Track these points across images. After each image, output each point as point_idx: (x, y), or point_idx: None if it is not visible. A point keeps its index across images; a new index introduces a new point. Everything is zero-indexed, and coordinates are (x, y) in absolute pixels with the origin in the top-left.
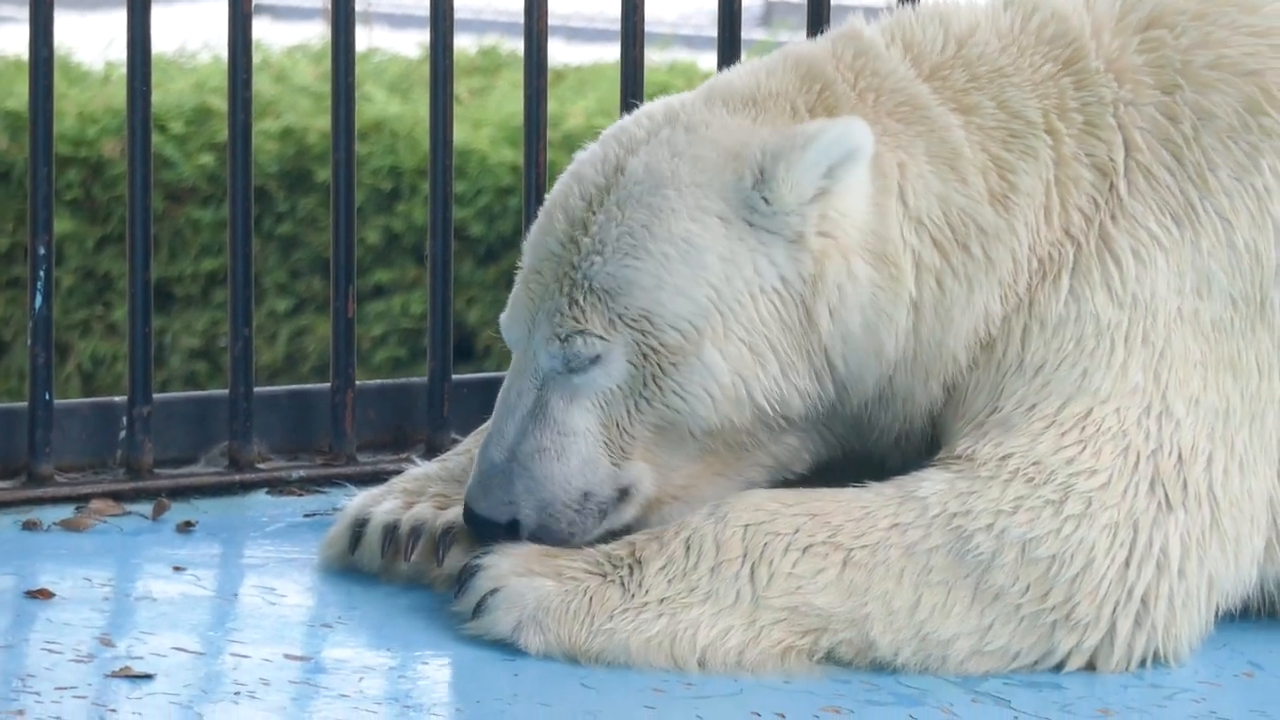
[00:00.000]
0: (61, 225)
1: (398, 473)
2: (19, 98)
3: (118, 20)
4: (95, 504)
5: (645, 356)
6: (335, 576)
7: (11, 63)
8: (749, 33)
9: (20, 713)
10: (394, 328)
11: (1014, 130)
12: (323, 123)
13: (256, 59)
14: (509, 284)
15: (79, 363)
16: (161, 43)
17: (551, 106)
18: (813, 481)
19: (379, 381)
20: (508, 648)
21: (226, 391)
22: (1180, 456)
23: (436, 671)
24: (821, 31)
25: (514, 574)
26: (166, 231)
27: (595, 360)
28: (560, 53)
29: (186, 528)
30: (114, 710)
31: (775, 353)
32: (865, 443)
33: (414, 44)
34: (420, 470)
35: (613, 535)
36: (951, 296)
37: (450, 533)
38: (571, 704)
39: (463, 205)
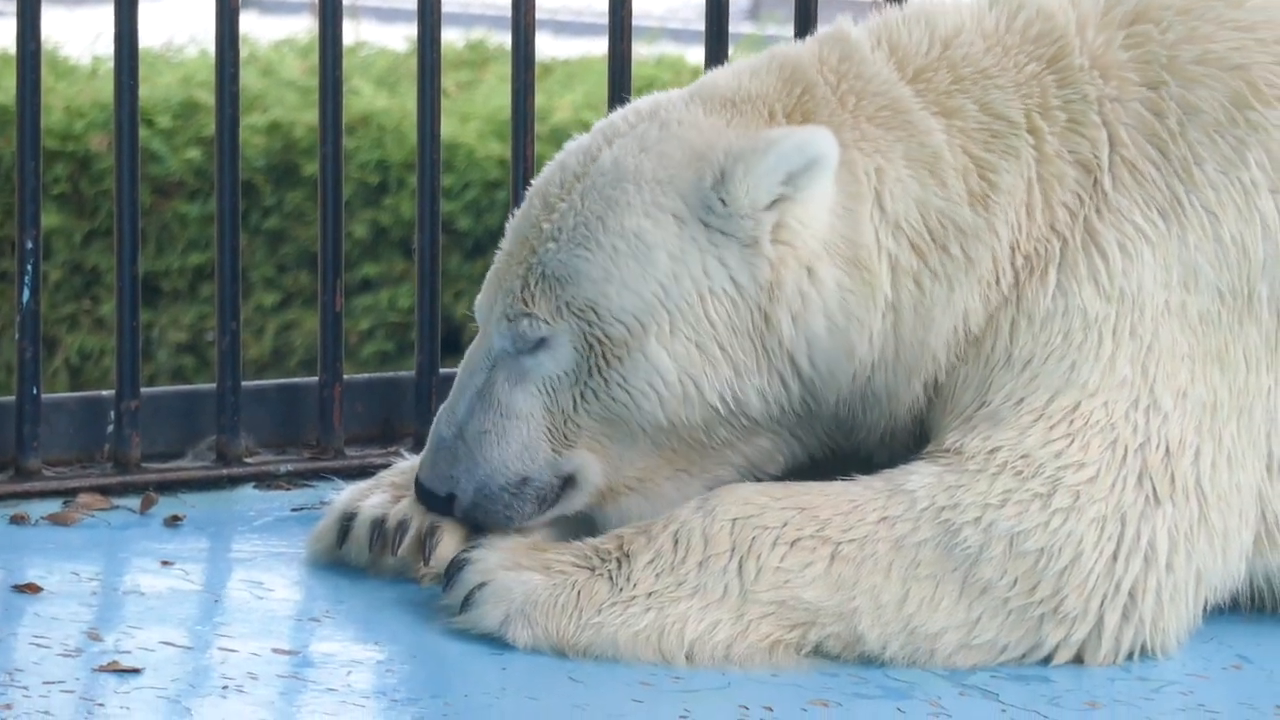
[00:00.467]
0: (49, 219)
1: (385, 467)
2: (6, 92)
3: (105, 14)
4: (83, 498)
5: (590, 347)
6: (323, 571)
7: None
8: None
9: (8, 706)
10: (381, 321)
11: (995, 131)
12: (310, 117)
13: (244, 53)
14: None
15: (66, 357)
16: (148, 37)
17: (539, 100)
18: (800, 476)
19: (366, 375)
20: (495, 642)
21: (214, 386)
22: (1168, 450)
23: (424, 665)
24: (809, 27)
25: (502, 568)
26: (154, 226)
27: (541, 344)
28: (548, 47)
29: (174, 522)
30: (102, 705)
31: (726, 354)
32: (852, 442)
33: (401, 38)
34: (408, 464)
35: (580, 525)
36: (932, 297)
37: (438, 528)
38: (559, 698)
39: (450, 199)
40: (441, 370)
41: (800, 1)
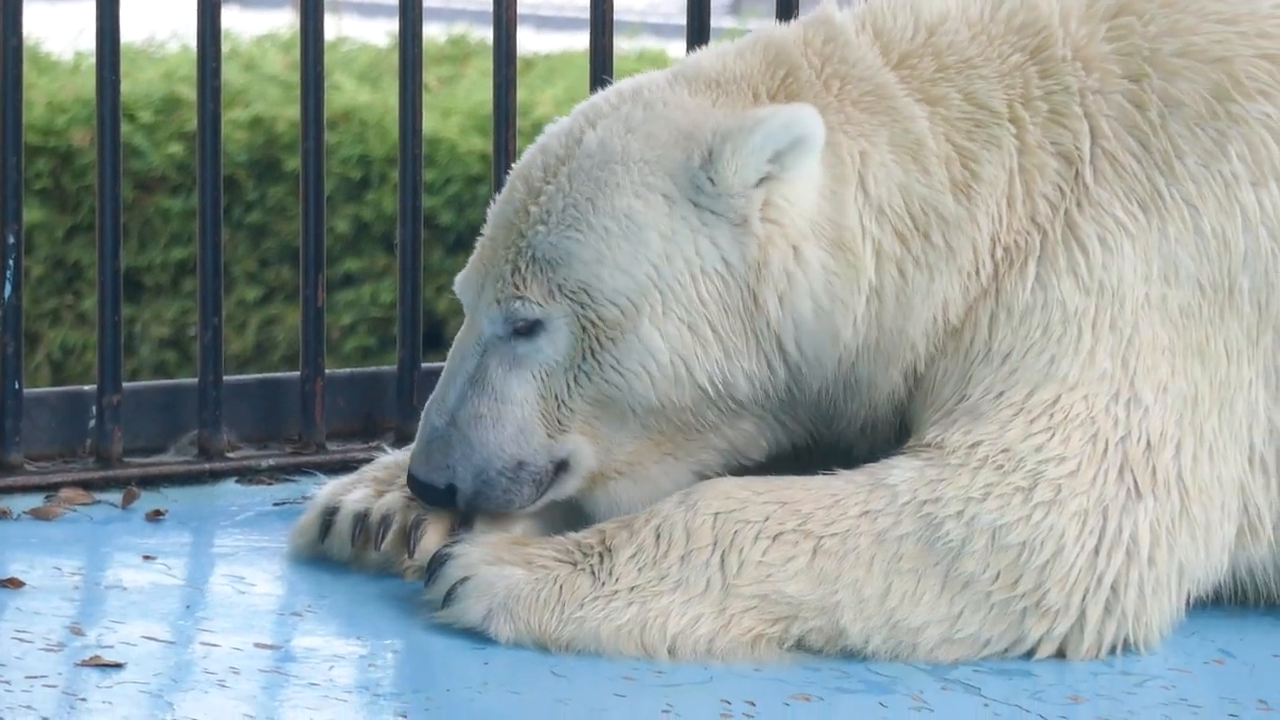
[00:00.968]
0: (31, 214)
1: (367, 461)
2: None
3: (86, 9)
4: (65, 493)
5: (584, 329)
6: (305, 565)
7: None
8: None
9: None
10: (363, 316)
11: (978, 120)
12: (292, 112)
13: (225, 48)
14: None
15: (48, 352)
16: (130, 32)
17: (521, 95)
18: (782, 469)
19: (348, 370)
20: (478, 636)
21: (196, 380)
22: (1149, 443)
23: (406, 660)
24: (791, 19)
25: (484, 563)
26: (136, 221)
27: (534, 329)
28: (529, 41)
29: (156, 516)
30: (84, 699)
31: (717, 334)
32: (833, 430)
33: (383, 32)
34: (390, 458)
35: (564, 519)
36: (913, 285)
37: (421, 523)
38: (542, 692)
39: (432, 194)
40: (423, 365)
41: None
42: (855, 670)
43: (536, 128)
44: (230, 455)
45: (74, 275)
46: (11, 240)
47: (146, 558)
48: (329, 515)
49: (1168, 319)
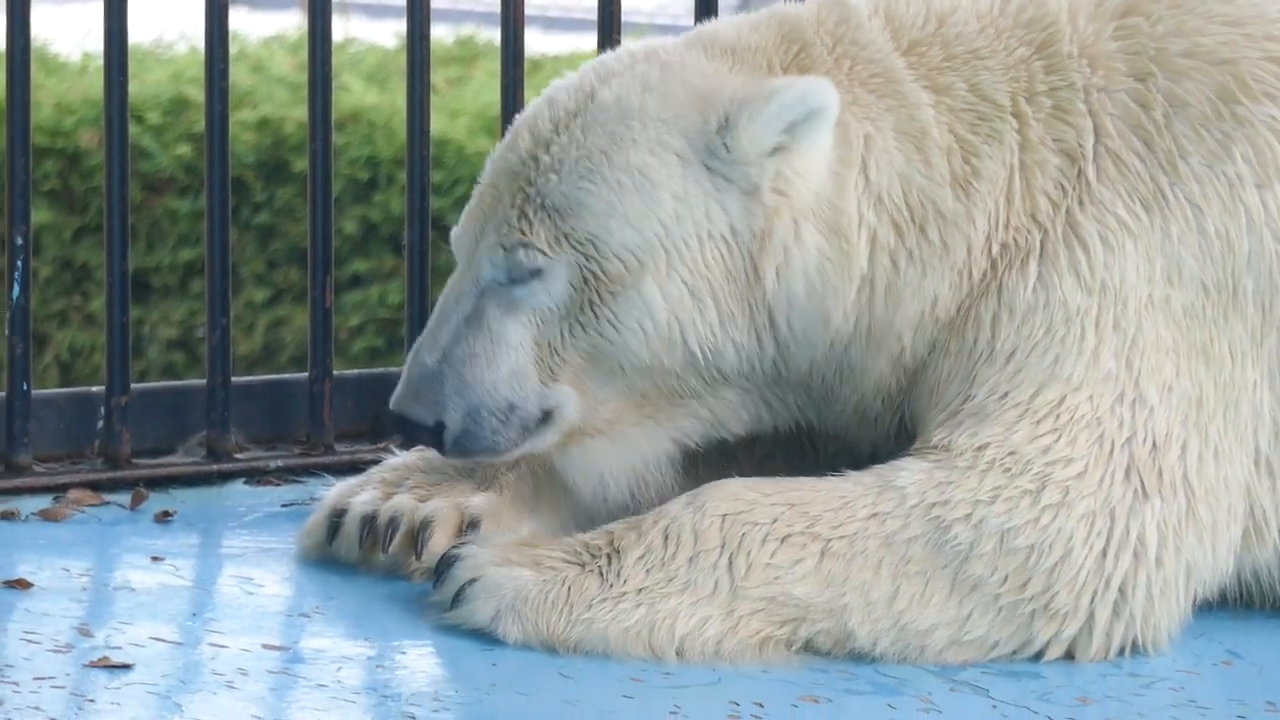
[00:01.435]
0: (39, 216)
1: (375, 462)
2: None
3: (94, 11)
4: (73, 494)
5: (586, 281)
6: (313, 566)
7: None
8: None
9: None
10: (371, 317)
11: (982, 113)
12: (300, 113)
13: (233, 49)
14: None
15: (57, 353)
16: (138, 33)
17: (528, 96)
18: (790, 471)
19: (356, 371)
20: (486, 637)
21: (204, 381)
22: (1155, 444)
23: (415, 661)
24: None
25: (492, 564)
26: (144, 222)
27: (536, 275)
28: (537, 42)
29: (164, 518)
30: (92, 700)
31: (716, 300)
32: (823, 418)
33: (391, 34)
34: (399, 460)
35: (581, 514)
36: (905, 278)
37: (429, 524)
38: (550, 693)
39: (440, 195)
40: None
41: None
42: (863, 672)
43: None
44: (238, 456)
45: (82, 276)
46: (20, 241)
47: (155, 559)
48: (337, 517)
49: (1171, 320)
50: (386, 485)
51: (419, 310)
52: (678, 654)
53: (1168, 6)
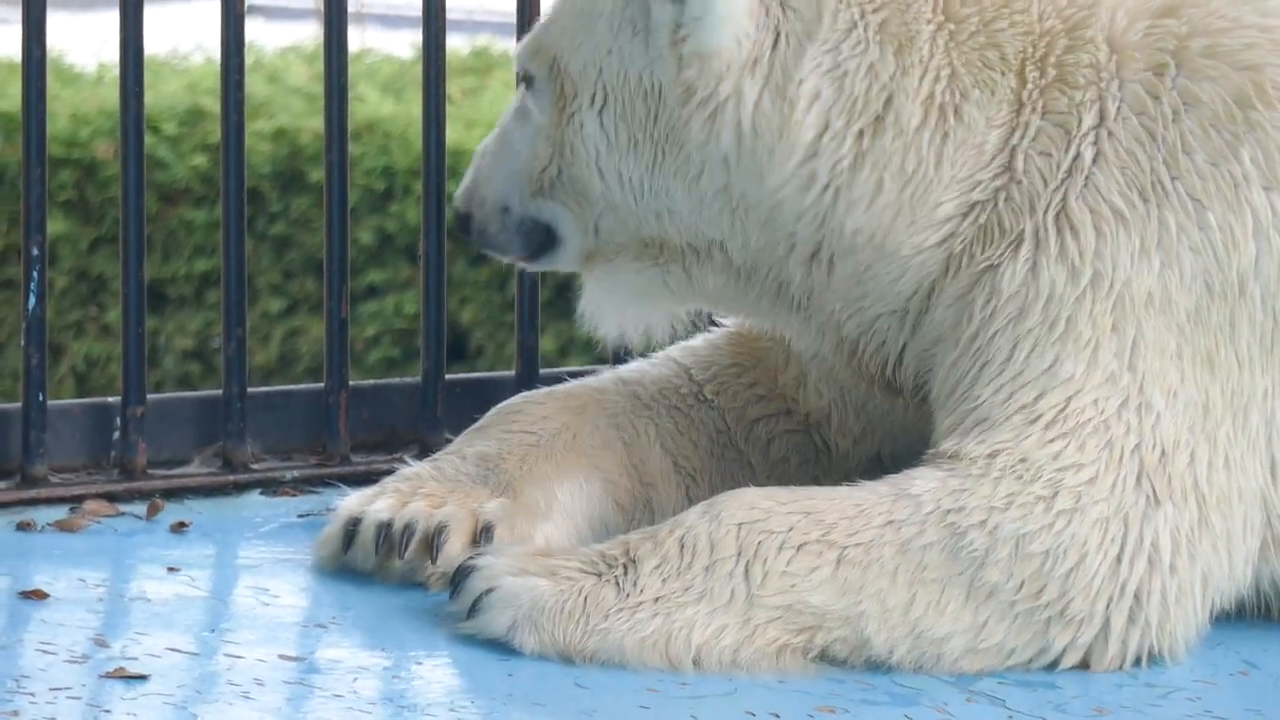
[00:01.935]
0: (55, 226)
1: (390, 473)
2: (12, 99)
3: (110, 21)
4: (89, 505)
5: (556, 97)
6: (329, 577)
7: (4, 64)
8: None
9: (15, 713)
10: (387, 328)
11: (986, 58)
12: (316, 123)
13: (249, 60)
14: (502, 284)
15: (73, 364)
16: (154, 44)
17: None
18: (802, 470)
19: (372, 381)
20: (502, 648)
21: (220, 392)
22: (1163, 451)
23: (431, 671)
24: None
25: (508, 574)
26: (160, 232)
27: (531, 84)
28: None
29: (180, 528)
30: (109, 711)
31: (651, 141)
32: (803, 336)
33: (407, 44)
34: (412, 470)
35: (597, 520)
36: (856, 184)
37: (444, 529)
38: (566, 704)
39: None
40: (447, 376)
41: None
42: (880, 682)
43: None
44: (254, 467)
45: (98, 287)
46: (36, 252)
47: (171, 569)
48: (352, 525)
49: (1174, 323)
50: (401, 494)
51: (435, 320)
52: (695, 664)
53: (1205, 13)
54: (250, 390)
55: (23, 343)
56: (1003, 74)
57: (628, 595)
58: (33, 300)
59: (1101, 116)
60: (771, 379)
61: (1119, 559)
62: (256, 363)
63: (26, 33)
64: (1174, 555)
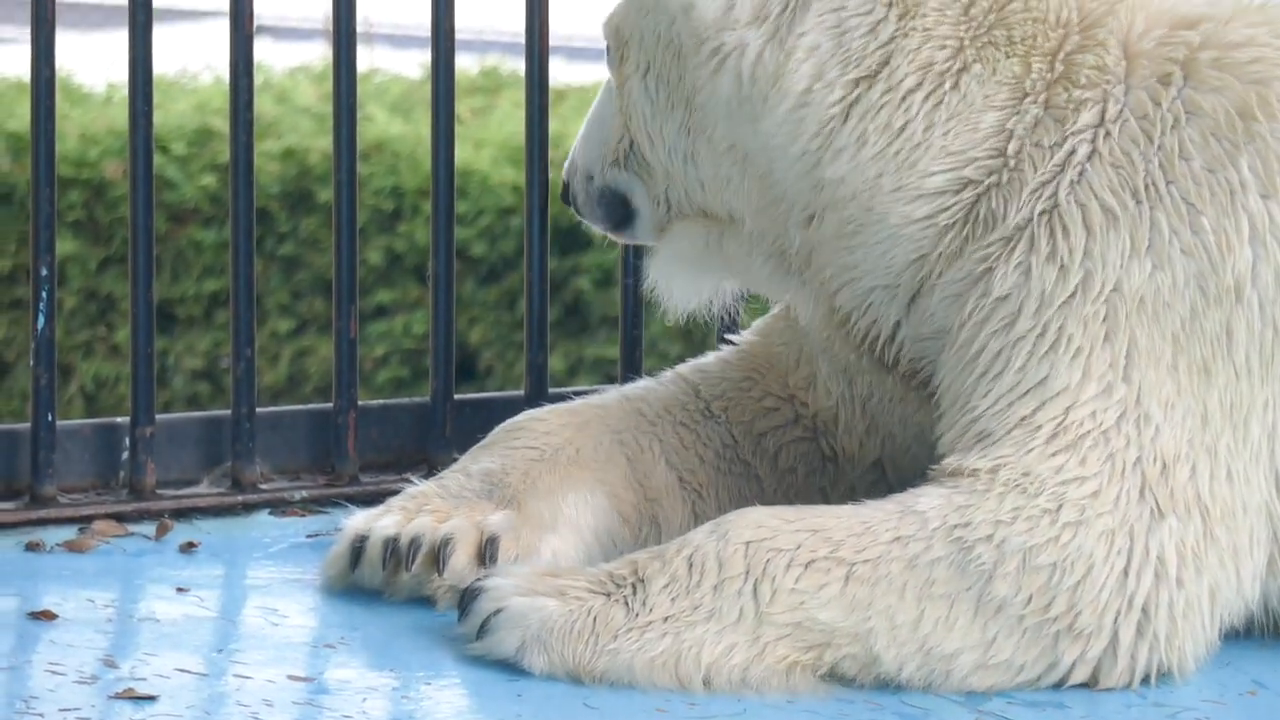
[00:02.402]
0: (64, 246)
1: (399, 493)
2: (21, 119)
3: (119, 41)
4: (98, 525)
5: (619, 64)
6: (338, 597)
7: (13, 84)
8: None
9: None
10: (396, 348)
11: (993, 38)
12: (324, 143)
13: (258, 80)
14: (511, 304)
15: (81, 384)
16: (163, 64)
17: (553, 126)
18: (808, 480)
19: (381, 401)
20: (511, 668)
21: (229, 412)
22: (1164, 464)
23: (440, 692)
24: None
25: (517, 594)
26: (169, 252)
27: (607, 54)
28: (562, 72)
29: (189, 548)
30: None
31: (682, 101)
32: (800, 298)
33: (415, 64)
34: (417, 488)
35: (605, 535)
36: (845, 132)
37: (450, 541)
38: None
39: (465, 225)
40: (456, 396)
41: None
42: (889, 702)
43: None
44: (263, 487)
45: (107, 307)
46: (45, 272)
47: (180, 589)
48: (359, 543)
49: (1168, 330)
50: (406, 510)
51: (444, 340)
52: (704, 683)
53: (1223, 26)
54: (259, 410)
55: (31, 363)
56: (1007, 55)
57: (636, 615)
58: (42, 320)
59: (1102, 117)
60: (782, 383)
61: (1125, 572)
62: (265, 383)
63: (36, 53)
64: (1180, 568)
